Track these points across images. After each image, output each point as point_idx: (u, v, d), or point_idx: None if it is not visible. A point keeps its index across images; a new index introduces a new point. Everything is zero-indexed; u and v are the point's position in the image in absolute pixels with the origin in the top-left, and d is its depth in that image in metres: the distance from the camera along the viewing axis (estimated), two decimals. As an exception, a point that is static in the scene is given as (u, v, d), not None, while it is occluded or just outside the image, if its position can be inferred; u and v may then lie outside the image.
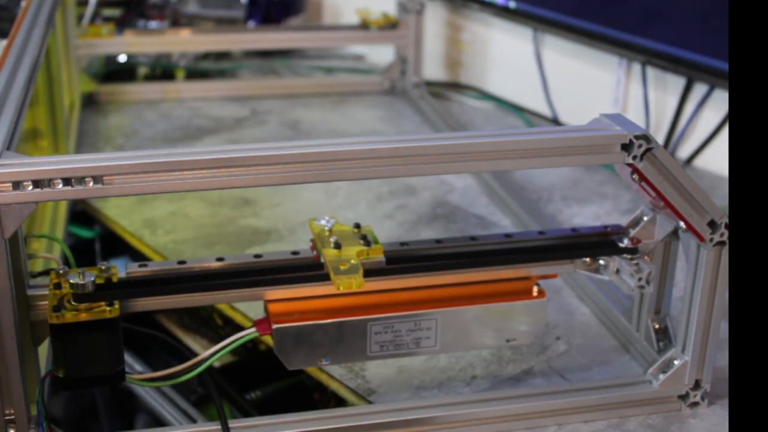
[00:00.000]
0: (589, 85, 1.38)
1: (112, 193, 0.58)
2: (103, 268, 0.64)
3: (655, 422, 0.72)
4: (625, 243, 0.71)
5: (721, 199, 1.09)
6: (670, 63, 1.20)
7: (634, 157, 0.64)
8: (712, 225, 0.68)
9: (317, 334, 0.67)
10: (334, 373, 0.78)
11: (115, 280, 0.64)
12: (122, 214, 1.07)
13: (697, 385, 0.73)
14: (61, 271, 0.65)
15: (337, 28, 1.61)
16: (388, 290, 0.69)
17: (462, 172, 1.14)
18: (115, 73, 1.57)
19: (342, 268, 0.65)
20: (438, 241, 0.71)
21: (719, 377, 0.75)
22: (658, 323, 0.76)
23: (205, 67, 1.65)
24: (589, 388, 0.73)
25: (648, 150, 0.64)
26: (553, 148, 0.63)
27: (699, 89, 1.22)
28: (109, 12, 1.62)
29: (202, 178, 0.59)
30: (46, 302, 0.63)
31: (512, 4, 1.42)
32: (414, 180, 1.18)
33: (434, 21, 1.60)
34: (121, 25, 1.54)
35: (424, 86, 1.50)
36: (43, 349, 0.69)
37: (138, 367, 0.96)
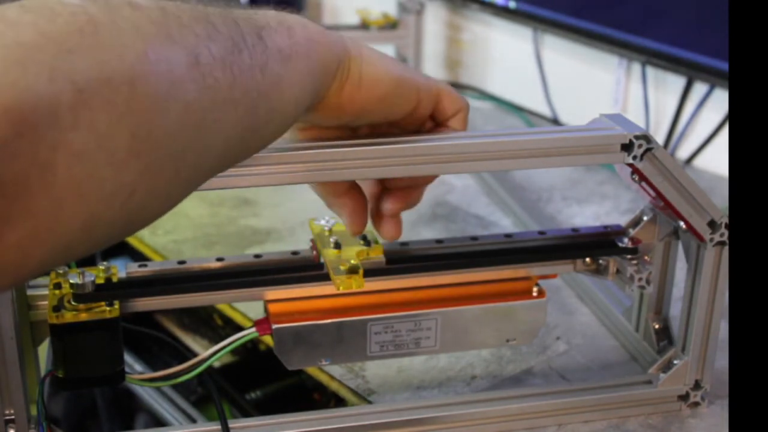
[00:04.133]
0: (589, 85, 1.38)
1: (112, 193, 0.58)
2: (103, 268, 0.64)
3: (655, 422, 0.72)
4: (625, 243, 0.70)
5: (721, 199, 1.09)
6: (670, 63, 1.20)
7: (634, 157, 0.64)
8: (712, 225, 0.67)
9: (317, 334, 0.67)
10: (334, 373, 0.78)
11: (115, 280, 0.64)
12: (122, 214, 1.07)
13: (697, 385, 0.73)
14: (60, 271, 0.64)
15: (336, 28, 1.60)
16: (388, 290, 0.69)
17: (462, 172, 1.14)
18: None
19: (342, 268, 0.65)
20: (438, 241, 0.71)
21: (719, 377, 0.75)
22: (658, 323, 0.76)
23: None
24: (589, 388, 0.73)
25: (648, 150, 0.64)
26: (553, 148, 0.63)
27: (699, 89, 1.22)
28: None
29: (202, 178, 0.59)
30: (46, 302, 0.63)
31: (512, 4, 1.42)
32: (414, 180, 1.17)
33: (434, 21, 1.59)
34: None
35: (424, 86, 1.49)
36: (43, 349, 0.69)
37: (138, 367, 0.96)
